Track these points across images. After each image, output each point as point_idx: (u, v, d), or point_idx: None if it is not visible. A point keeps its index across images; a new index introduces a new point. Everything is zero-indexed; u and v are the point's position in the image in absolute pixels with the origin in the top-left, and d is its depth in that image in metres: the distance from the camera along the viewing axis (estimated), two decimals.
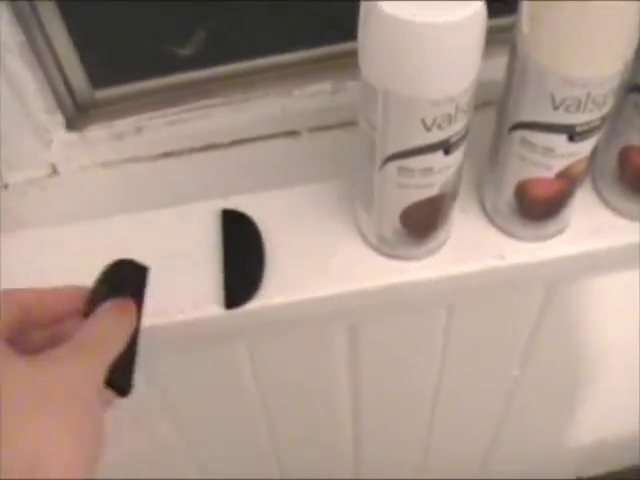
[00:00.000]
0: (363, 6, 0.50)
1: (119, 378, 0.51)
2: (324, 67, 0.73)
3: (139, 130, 0.72)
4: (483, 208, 0.67)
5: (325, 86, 0.73)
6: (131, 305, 0.54)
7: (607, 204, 0.68)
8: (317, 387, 0.85)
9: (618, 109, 0.62)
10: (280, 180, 0.69)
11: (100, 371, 0.49)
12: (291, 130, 0.74)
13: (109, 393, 0.51)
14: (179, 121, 0.72)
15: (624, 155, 0.64)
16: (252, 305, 0.63)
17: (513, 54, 0.56)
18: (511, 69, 0.57)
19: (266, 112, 0.73)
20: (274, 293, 0.63)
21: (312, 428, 0.96)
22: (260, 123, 0.74)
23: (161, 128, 0.71)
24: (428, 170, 0.57)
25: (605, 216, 0.68)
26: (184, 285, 0.63)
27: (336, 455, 1.05)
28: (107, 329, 0.51)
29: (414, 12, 0.48)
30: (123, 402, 0.52)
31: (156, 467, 0.95)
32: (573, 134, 0.57)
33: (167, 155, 0.74)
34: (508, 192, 0.63)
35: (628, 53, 0.54)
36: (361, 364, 0.81)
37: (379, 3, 0.48)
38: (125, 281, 0.56)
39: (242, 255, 0.65)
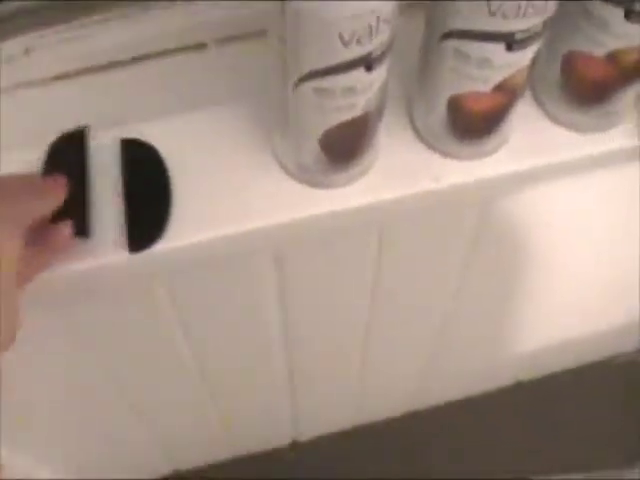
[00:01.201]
0: None
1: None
2: None
3: (28, 51, 0.64)
4: (413, 126, 0.61)
5: None
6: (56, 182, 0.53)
7: (549, 116, 0.62)
8: (247, 322, 0.80)
9: (563, 13, 0.56)
10: (188, 102, 0.62)
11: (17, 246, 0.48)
12: (198, 43, 0.66)
13: (31, 265, 0.52)
14: (73, 39, 0.64)
15: (568, 62, 0.58)
16: (160, 247, 0.56)
17: None
18: None
19: (169, 23, 0.65)
20: (183, 232, 0.57)
21: (247, 370, 0.91)
22: (162, 36, 0.65)
23: (53, 47, 0.62)
24: (348, 89, 0.50)
25: (547, 129, 0.62)
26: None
27: (273, 395, 1.01)
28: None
29: None
30: None
31: None
32: (512, 42, 0.50)
33: (61, 77, 0.65)
34: (441, 108, 0.56)
35: None
36: (291, 295, 0.76)
37: None
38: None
39: (145, 190, 0.58)
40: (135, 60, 0.65)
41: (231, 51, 0.65)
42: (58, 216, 0.52)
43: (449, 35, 0.51)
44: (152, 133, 0.59)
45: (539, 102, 0.63)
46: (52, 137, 0.58)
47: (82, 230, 0.54)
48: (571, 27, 0.56)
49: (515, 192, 0.70)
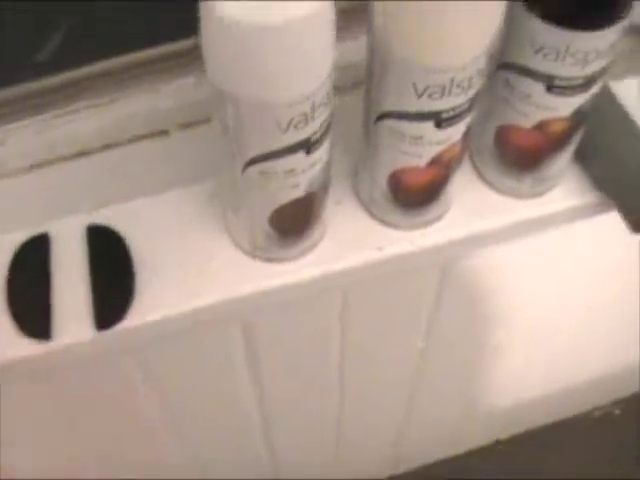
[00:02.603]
0: (201, 6, 0.46)
1: None
2: (186, 61, 0.69)
3: (3, 142, 0.68)
4: (359, 198, 0.65)
5: (189, 80, 0.69)
6: None
7: (488, 184, 0.66)
8: (221, 392, 0.82)
9: (491, 87, 0.60)
10: (152, 186, 0.66)
11: None
12: (161, 129, 0.70)
13: None
14: (45, 129, 0.68)
15: (500, 133, 0.62)
16: (125, 324, 0.59)
17: (370, 44, 0.53)
18: (370, 59, 0.54)
19: (133, 112, 0.69)
20: (146, 310, 0.60)
21: (223, 432, 0.93)
22: (128, 124, 0.69)
23: (27, 138, 0.67)
24: (291, 171, 0.54)
25: (487, 196, 0.66)
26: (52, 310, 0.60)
27: (250, 449, 1.03)
28: None
29: (252, 13, 0.44)
30: None
31: None
32: (440, 120, 0.54)
33: (35, 167, 0.69)
34: (382, 182, 0.60)
35: (489, 35, 0.51)
36: (261, 360, 0.79)
37: (216, 3, 0.45)
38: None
39: (110, 273, 0.61)
40: (103, 148, 0.69)
41: (191, 136, 0.69)
42: (22, 319, 0.56)
43: (383, 116, 0.55)
44: (117, 217, 0.63)
45: (478, 171, 0.67)
46: (20, 233, 0.62)
47: (46, 333, 0.58)
48: (499, 101, 0.60)
49: (467, 255, 0.74)
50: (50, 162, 0.69)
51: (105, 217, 0.63)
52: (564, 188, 0.66)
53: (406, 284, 0.75)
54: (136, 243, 0.62)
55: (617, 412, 1.29)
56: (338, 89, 0.63)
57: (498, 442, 1.27)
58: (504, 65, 0.58)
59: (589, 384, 1.18)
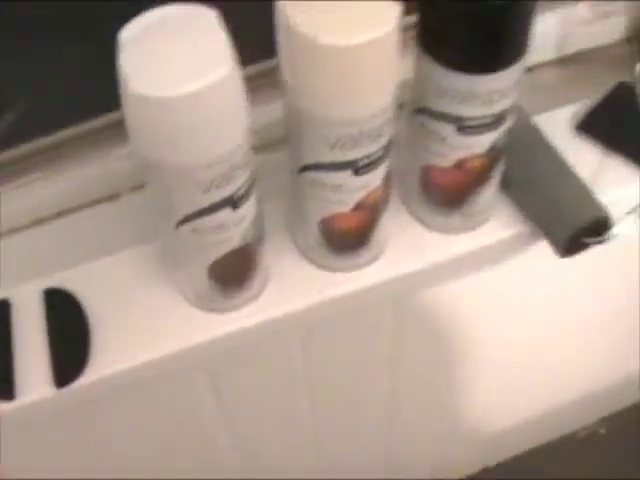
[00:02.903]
0: (120, 78, 0.50)
1: None
2: None
3: None
4: (297, 247, 0.68)
5: None
6: None
7: (420, 222, 0.70)
8: (192, 438, 0.86)
9: (409, 131, 0.64)
10: (105, 247, 0.70)
11: None
12: (113, 193, 0.74)
13: None
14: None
15: (424, 173, 0.66)
16: (82, 380, 0.63)
17: (284, 100, 0.57)
18: (285, 115, 0.58)
19: (87, 177, 0.73)
20: (102, 366, 0.63)
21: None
22: (82, 190, 0.74)
23: None
24: (221, 227, 0.58)
25: (420, 234, 0.69)
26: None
27: None
28: None
29: (158, 87, 0.48)
30: None
31: None
32: (357, 168, 0.58)
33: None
34: (314, 229, 0.64)
35: (391, 88, 0.55)
36: (229, 404, 0.82)
37: (128, 80, 0.49)
38: None
39: (67, 333, 0.65)
40: (57, 215, 0.74)
41: (139, 197, 0.73)
42: None
43: (304, 168, 0.59)
44: (72, 280, 0.67)
45: (410, 210, 0.70)
46: None
47: (10, 393, 0.62)
48: (419, 143, 0.63)
49: (415, 290, 0.77)
50: (7, 232, 0.73)
51: (61, 280, 0.67)
52: (496, 221, 0.70)
53: (360, 322, 0.78)
54: (91, 302, 0.66)
55: (602, 431, 1.31)
56: (270, 145, 0.68)
57: (485, 470, 1.29)
58: (418, 110, 0.62)
59: (572, 404, 1.20)
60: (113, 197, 0.74)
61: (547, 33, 0.80)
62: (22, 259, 0.70)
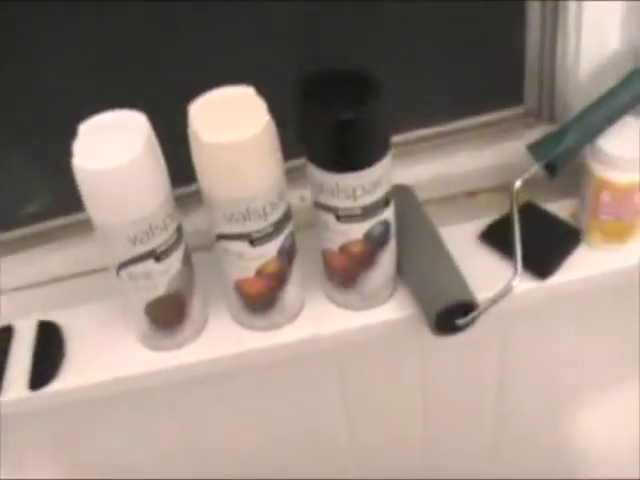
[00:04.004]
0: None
1: None
2: None
3: None
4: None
5: None
6: None
7: (329, 298, 0.87)
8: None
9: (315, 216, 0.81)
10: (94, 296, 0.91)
11: None
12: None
13: None
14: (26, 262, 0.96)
15: (323, 255, 0.83)
16: (50, 388, 0.84)
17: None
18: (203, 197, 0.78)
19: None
20: (67, 381, 0.85)
21: None
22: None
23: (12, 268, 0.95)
24: (147, 275, 0.77)
25: (329, 308, 0.86)
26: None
27: None
28: None
29: (92, 161, 0.70)
30: None
31: None
32: (252, 240, 0.76)
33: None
34: (231, 291, 0.82)
35: (270, 176, 0.73)
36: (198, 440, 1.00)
37: (75, 157, 0.71)
38: None
39: (47, 354, 0.86)
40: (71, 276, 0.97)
41: None
42: None
43: (217, 237, 0.78)
44: (62, 317, 0.89)
45: (322, 288, 0.87)
46: None
47: None
48: (320, 227, 0.80)
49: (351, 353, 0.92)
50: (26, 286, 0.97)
51: (54, 316, 0.89)
52: (393, 302, 0.86)
53: (305, 371, 0.95)
54: (71, 335, 0.88)
55: None
56: None
57: None
58: (315, 203, 0.79)
59: None
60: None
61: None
62: (31, 300, 0.93)
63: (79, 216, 0.95)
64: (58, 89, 0.86)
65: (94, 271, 0.95)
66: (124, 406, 0.93)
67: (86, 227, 0.91)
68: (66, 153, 0.71)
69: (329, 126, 0.72)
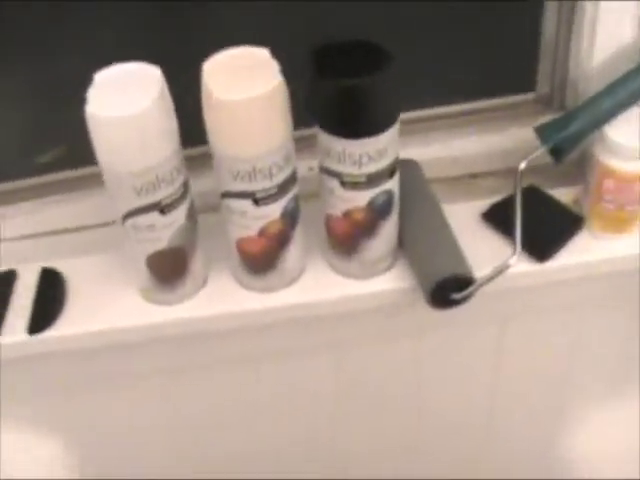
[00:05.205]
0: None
1: None
2: None
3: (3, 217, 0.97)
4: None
5: None
6: None
7: (330, 266, 0.88)
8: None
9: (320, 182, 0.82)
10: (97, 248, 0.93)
11: None
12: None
13: None
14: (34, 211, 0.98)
15: (326, 222, 0.84)
16: (47, 334, 0.85)
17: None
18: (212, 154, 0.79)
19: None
20: (65, 327, 0.86)
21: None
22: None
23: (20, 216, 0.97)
24: (151, 227, 0.79)
25: (326, 274, 0.88)
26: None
27: None
28: None
29: (108, 109, 0.71)
30: None
31: None
32: (256, 199, 0.78)
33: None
34: (233, 250, 0.84)
35: (276, 138, 0.75)
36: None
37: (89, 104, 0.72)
38: None
39: (47, 301, 0.88)
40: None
41: None
42: None
43: (223, 195, 0.80)
44: (65, 265, 0.91)
45: (323, 255, 0.88)
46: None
47: None
48: (324, 193, 0.82)
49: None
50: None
51: (57, 264, 0.91)
52: (392, 273, 0.87)
53: (301, 338, 0.96)
54: (73, 283, 0.89)
55: None
56: None
57: None
58: (320, 168, 0.80)
59: None
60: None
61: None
62: (36, 249, 0.95)
63: (86, 170, 0.97)
64: (76, 39, 0.87)
65: (99, 225, 0.96)
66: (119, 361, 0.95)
67: (92, 181, 0.94)
68: (77, 106, 0.72)
69: (338, 90, 0.73)
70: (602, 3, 0.86)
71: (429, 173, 0.93)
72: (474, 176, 0.98)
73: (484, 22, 0.93)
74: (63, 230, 0.97)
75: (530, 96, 0.99)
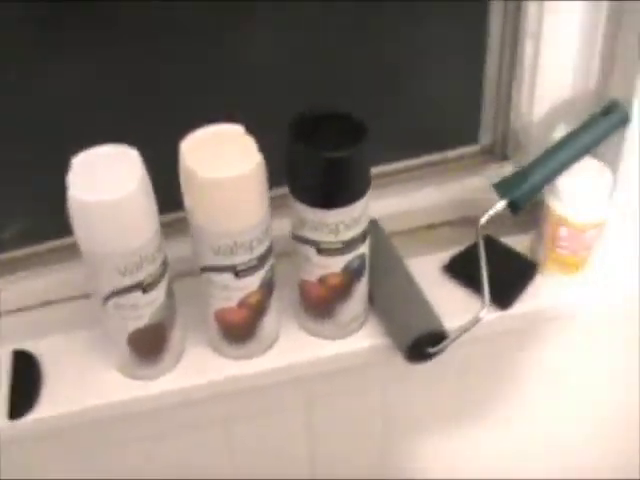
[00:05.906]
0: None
1: None
2: None
3: None
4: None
5: None
6: None
7: (303, 328, 0.90)
8: None
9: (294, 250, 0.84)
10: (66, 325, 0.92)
11: None
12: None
13: None
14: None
15: (300, 287, 0.86)
16: (29, 417, 0.85)
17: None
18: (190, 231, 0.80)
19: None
20: (45, 410, 0.85)
21: None
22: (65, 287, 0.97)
23: None
24: (134, 305, 0.79)
25: (303, 338, 0.90)
26: None
27: None
28: None
29: (88, 193, 0.71)
30: None
31: None
32: (237, 272, 0.79)
33: None
34: (212, 321, 0.85)
35: (256, 215, 0.76)
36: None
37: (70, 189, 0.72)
38: None
39: (25, 384, 0.87)
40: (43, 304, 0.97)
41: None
42: None
43: (202, 269, 0.81)
44: (36, 346, 0.90)
45: (296, 318, 0.90)
46: None
47: None
48: (296, 261, 0.84)
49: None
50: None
51: (28, 345, 0.90)
52: (364, 332, 0.90)
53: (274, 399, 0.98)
54: (47, 365, 0.88)
55: None
56: None
57: None
58: (294, 236, 0.83)
59: None
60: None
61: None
62: (7, 331, 0.93)
63: (54, 243, 0.96)
64: (49, 119, 0.88)
65: (70, 299, 0.96)
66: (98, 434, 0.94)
67: (61, 255, 0.94)
68: (52, 183, 0.72)
69: (317, 164, 0.75)
70: (541, 56, 0.91)
71: (386, 227, 0.96)
72: (431, 227, 1.02)
73: (429, 79, 0.97)
74: (31, 307, 0.96)
75: (475, 148, 1.04)
